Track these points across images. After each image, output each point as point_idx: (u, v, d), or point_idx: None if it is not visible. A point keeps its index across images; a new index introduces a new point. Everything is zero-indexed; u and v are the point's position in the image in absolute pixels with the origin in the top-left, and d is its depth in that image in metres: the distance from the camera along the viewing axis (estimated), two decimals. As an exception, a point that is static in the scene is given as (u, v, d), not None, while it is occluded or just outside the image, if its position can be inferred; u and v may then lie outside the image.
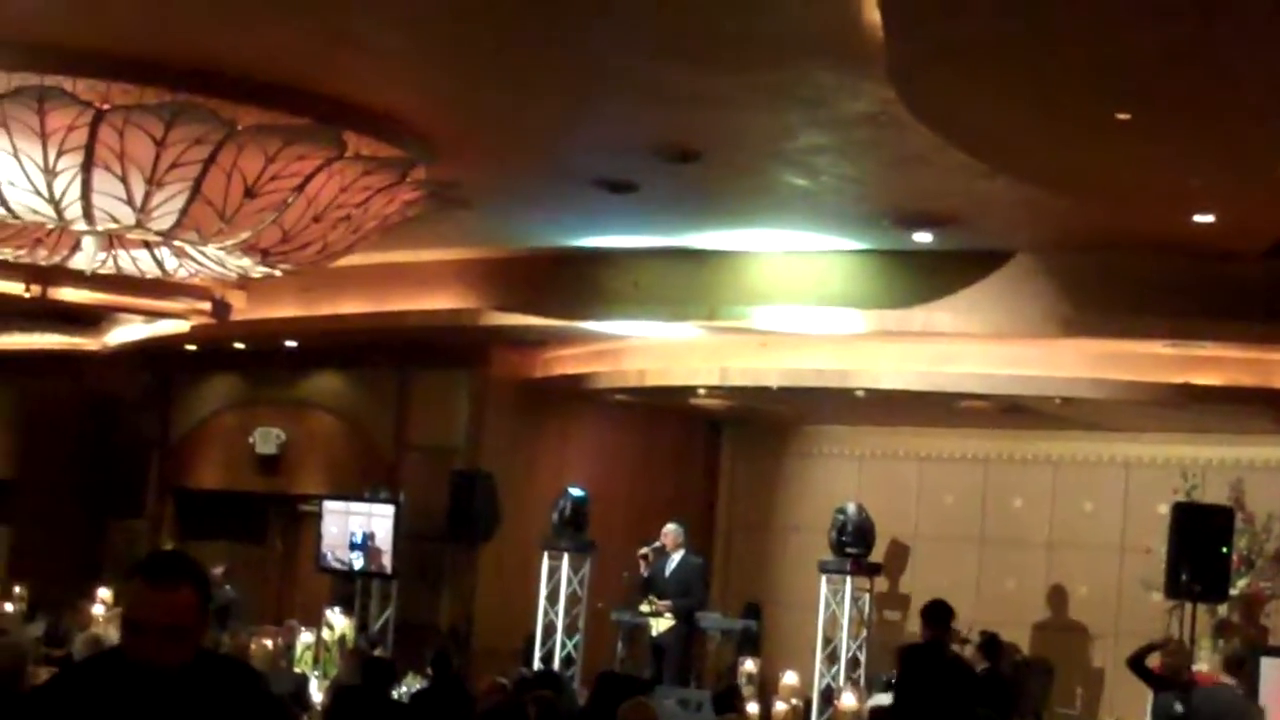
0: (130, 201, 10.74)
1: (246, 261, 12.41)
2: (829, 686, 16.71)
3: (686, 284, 15.58)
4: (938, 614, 12.43)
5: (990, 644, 15.61)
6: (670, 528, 17.67)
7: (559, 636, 18.31)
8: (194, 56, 10.48)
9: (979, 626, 16.66)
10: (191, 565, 4.80)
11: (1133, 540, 18.17)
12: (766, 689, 16.20)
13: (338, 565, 18.92)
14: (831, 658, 17.03)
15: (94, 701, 4.71)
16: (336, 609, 17.74)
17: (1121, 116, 9.01)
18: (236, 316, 17.89)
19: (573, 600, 18.41)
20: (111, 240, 12.19)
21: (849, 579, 17.13)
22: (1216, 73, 8.25)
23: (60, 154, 10.43)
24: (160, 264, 12.93)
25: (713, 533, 21.60)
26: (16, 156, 10.47)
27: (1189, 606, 14.24)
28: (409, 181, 11.87)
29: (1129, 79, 8.50)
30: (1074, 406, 16.42)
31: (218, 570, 19.83)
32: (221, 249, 11.91)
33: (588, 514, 18.41)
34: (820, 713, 16.47)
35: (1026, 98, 9.07)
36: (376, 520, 18.61)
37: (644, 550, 17.51)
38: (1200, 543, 14.05)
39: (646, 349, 17.95)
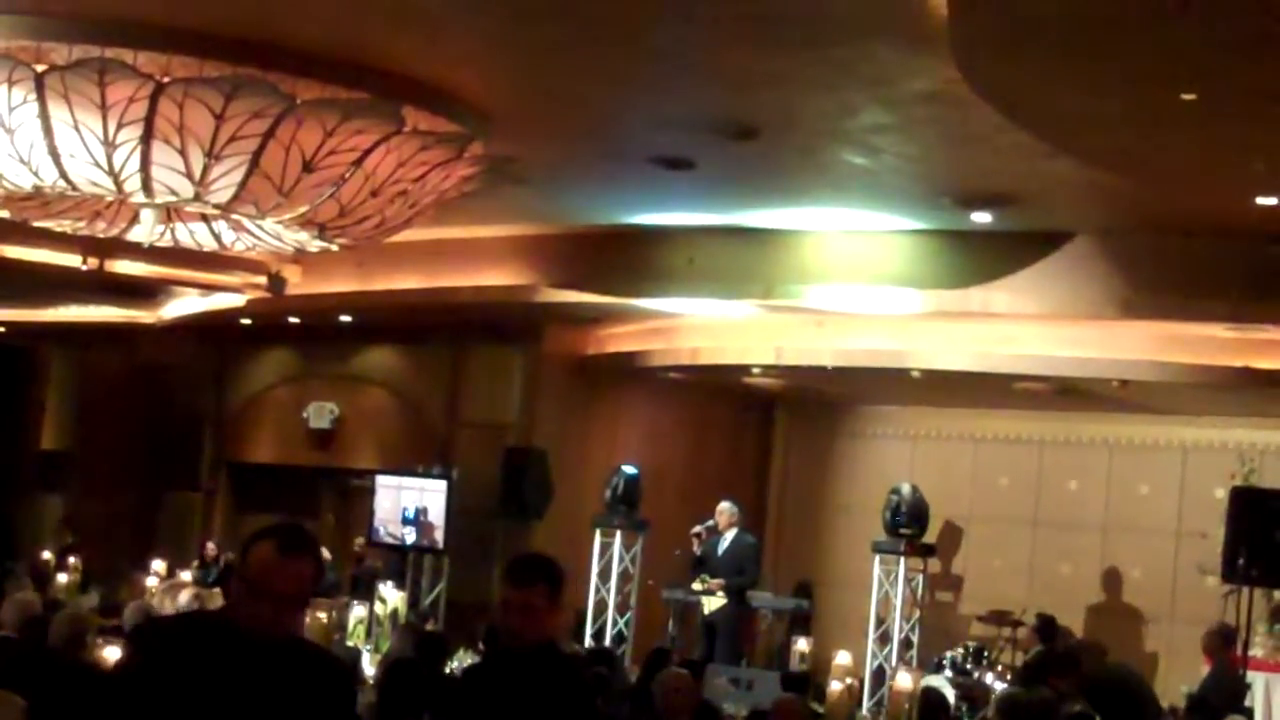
0: (189, 174, 10.75)
1: (303, 235, 12.42)
2: (881, 667, 16.65)
3: (742, 262, 15.54)
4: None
5: (1046, 626, 15.55)
6: (724, 506, 17.64)
7: (610, 614, 18.30)
8: (254, 30, 10.49)
9: (1033, 609, 16.61)
10: (312, 538, 5.03)
11: (1189, 524, 18.07)
12: (818, 668, 16.13)
13: (390, 540, 18.95)
14: (884, 638, 16.96)
15: (195, 663, 4.83)
16: (389, 583, 17.76)
17: (1187, 97, 8.92)
18: (292, 291, 17.95)
19: (624, 578, 18.39)
20: (169, 213, 12.22)
21: (902, 560, 17.05)
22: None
23: (120, 126, 10.44)
24: (217, 237, 12.95)
25: (765, 512, 21.56)
26: (77, 128, 10.49)
27: (1245, 591, 14.15)
28: (466, 157, 11.86)
29: (1194, 60, 8.41)
30: (1132, 389, 16.31)
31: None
32: (279, 223, 11.92)
33: (640, 491, 18.39)
34: (872, 693, 16.42)
35: (1091, 78, 8.99)
36: (429, 495, 18.61)
37: (697, 529, 17.49)
38: (1258, 527, 13.95)
39: (701, 327, 17.91)
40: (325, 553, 19.36)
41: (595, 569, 18.39)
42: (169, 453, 24.05)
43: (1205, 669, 14.41)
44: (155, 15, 10.41)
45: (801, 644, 16.18)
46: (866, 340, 16.53)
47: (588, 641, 17.67)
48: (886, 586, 17.08)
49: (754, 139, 11.80)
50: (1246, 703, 13.61)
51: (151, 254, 15.36)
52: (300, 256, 16.04)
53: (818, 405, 21.24)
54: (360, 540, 20.30)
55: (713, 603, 17.27)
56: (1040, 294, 14.28)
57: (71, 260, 16.78)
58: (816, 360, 17.10)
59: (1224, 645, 14.06)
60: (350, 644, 15.25)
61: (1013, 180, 12.48)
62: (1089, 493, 19.33)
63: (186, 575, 17.91)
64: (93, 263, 16.68)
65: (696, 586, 17.39)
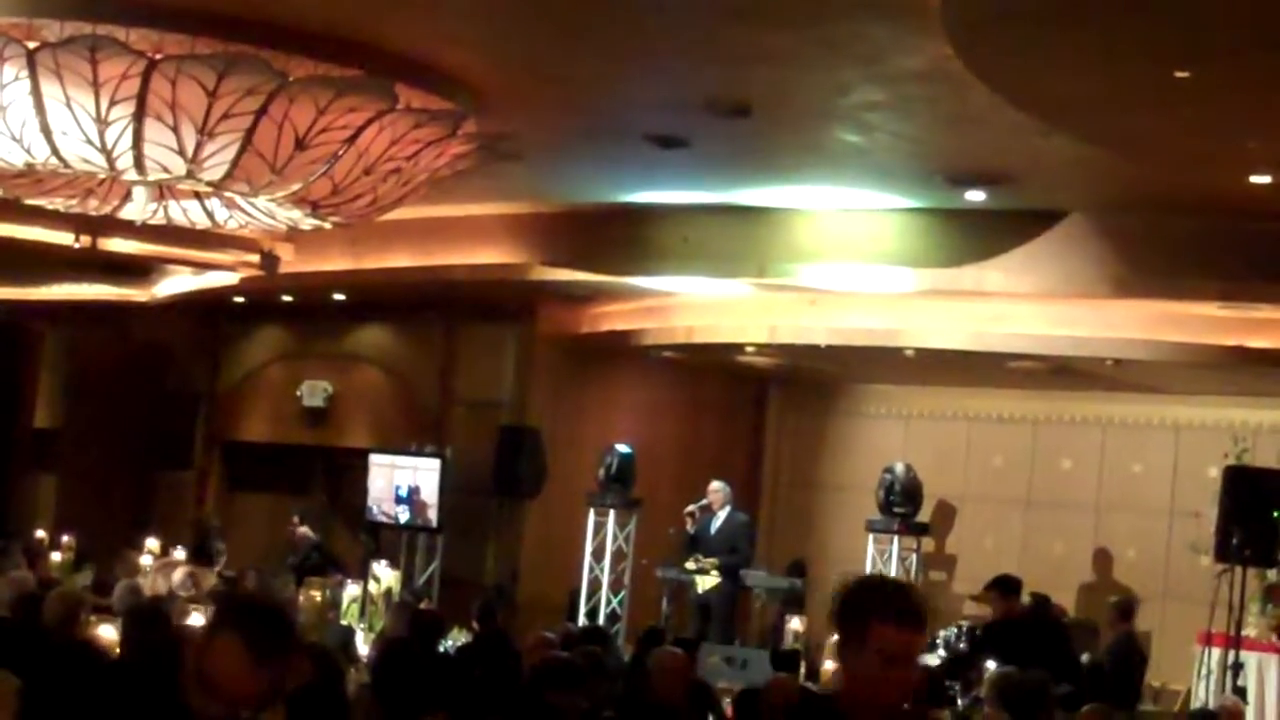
0: (181, 152, 10.74)
1: (296, 213, 12.40)
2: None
3: (736, 241, 15.52)
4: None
5: (1040, 606, 15.55)
6: (716, 485, 17.66)
7: (604, 593, 18.32)
8: (247, 7, 10.46)
9: (1027, 588, 16.59)
10: (290, 626, 4.38)
11: (1182, 503, 18.04)
12: (811, 647, 16.16)
13: (383, 518, 18.96)
14: (877, 617, 16.95)
15: None
16: (383, 562, 17.78)
17: (1180, 75, 8.91)
18: (285, 269, 17.90)
19: (618, 557, 18.41)
20: (162, 191, 12.19)
21: (896, 539, 17.08)
22: (1276, 32, 8.14)
23: (112, 104, 10.43)
24: (210, 215, 12.93)
25: (759, 491, 21.54)
26: (69, 106, 10.47)
27: (1238, 571, 14.15)
28: (460, 135, 11.84)
29: (1188, 36, 8.39)
30: (1125, 368, 16.31)
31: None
32: (272, 200, 11.91)
33: (634, 471, 18.40)
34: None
35: (1085, 56, 8.97)
36: (422, 474, 18.64)
37: (690, 508, 17.52)
38: (1251, 507, 13.96)
39: (695, 306, 17.88)
40: (308, 533, 19.52)
41: (589, 548, 18.42)
42: (162, 431, 24.00)
43: (1198, 649, 14.47)
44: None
45: (795, 623, 16.22)
46: (860, 319, 16.50)
47: (581, 620, 17.69)
48: (880, 565, 17.11)
49: (748, 117, 11.77)
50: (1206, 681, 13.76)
51: (144, 232, 15.33)
52: (293, 234, 16.01)
53: (812, 384, 21.21)
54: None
55: (706, 582, 17.30)
56: (1034, 273, 14.27)
57: (64, 238, 16.74)
58: (810, 339, 17.06)
59: (1121, 618, 14.39)
60: (344, 622, 15.26)
61: (1006, 158, 12.47)
62: (1082, 472, 19.31)
63: (180, 554, 17.94)
64: (85, 241, 16.64)
65: (690, 565, 17.42)
